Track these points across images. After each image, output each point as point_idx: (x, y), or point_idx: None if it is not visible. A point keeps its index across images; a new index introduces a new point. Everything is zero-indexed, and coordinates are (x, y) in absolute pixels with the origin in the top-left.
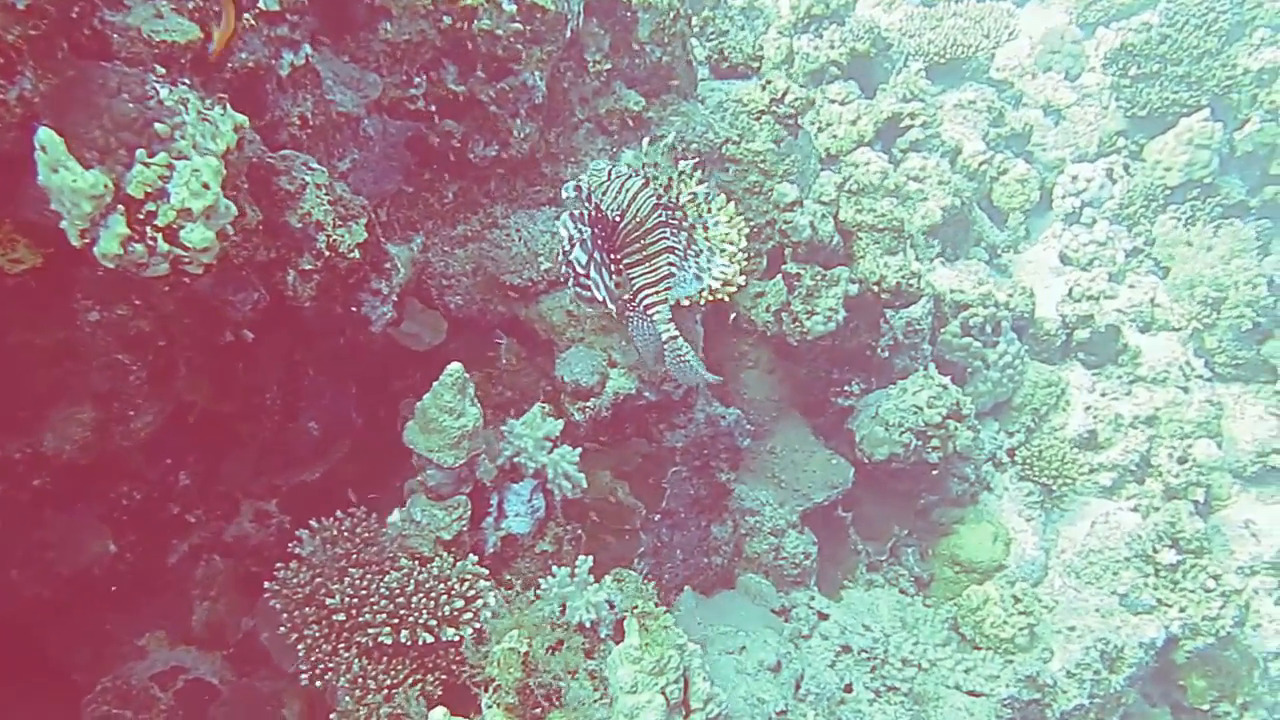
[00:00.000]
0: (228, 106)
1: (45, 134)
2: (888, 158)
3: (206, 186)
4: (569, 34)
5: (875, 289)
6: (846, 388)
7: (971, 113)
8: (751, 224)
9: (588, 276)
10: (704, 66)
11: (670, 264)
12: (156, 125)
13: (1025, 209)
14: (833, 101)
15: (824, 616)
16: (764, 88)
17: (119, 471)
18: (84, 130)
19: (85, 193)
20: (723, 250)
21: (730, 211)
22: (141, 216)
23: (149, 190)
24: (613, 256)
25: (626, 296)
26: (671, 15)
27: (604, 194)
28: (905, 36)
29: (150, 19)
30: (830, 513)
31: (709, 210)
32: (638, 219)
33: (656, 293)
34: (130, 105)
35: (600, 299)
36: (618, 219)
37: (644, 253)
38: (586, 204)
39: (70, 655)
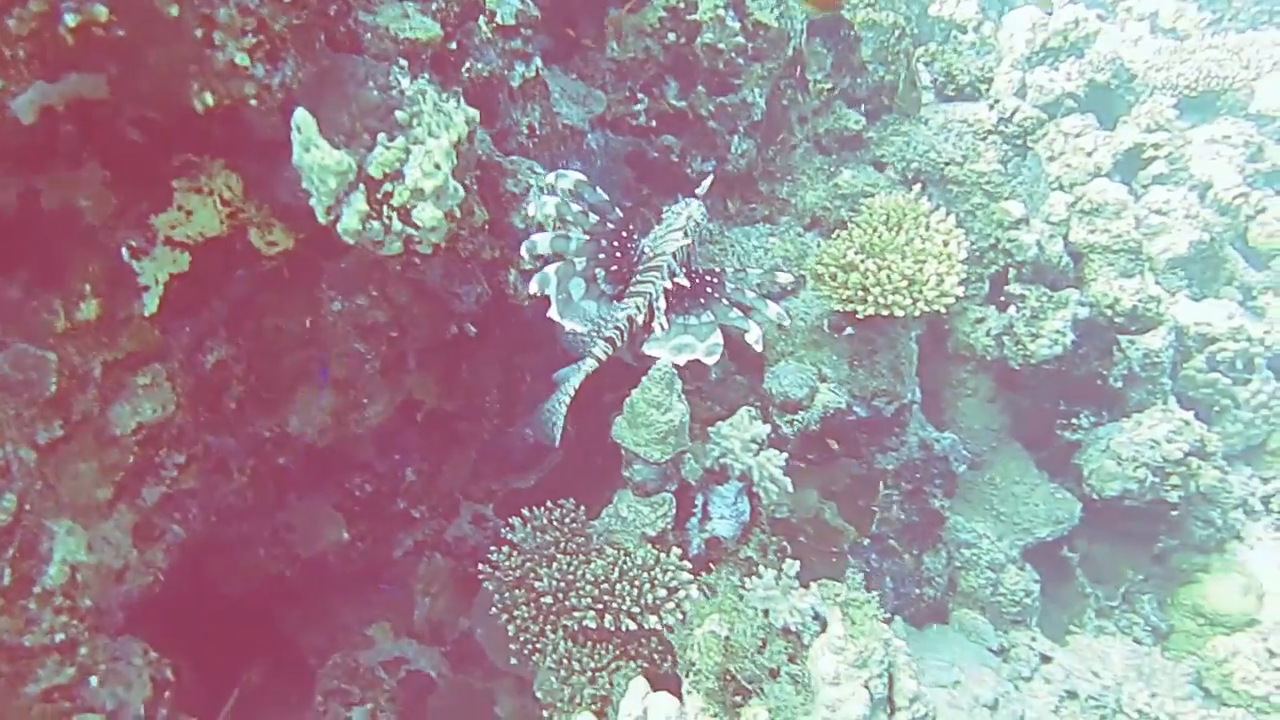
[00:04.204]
0: (461, 100)
1: (301, 115)
2: (1127, 189)
3: (438, 167)
4: (791, 52)
5: (1108, 313)
6: (1074, 420)
7: (1226, 147)
8: (974, 247)
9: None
10: (929, 91)
11: (637, 308)
12: (397, 113)
13: None
14: (1067, 134)
15: (1047, 659)
16: (992, 106)
17: (353, 462)
18: (333, 115)
19: (332, 170)
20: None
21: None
22: (379, 196)
23: (387, 171)
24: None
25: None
26: (896, 34)
27: (664, 225)
28: (1152, 70)
29: (398, 18)
30: (1054, 551)
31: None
32: (651, 253)
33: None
34: (375, 94)
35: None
36: (645, 251)
37: (631, 285)
38: (619, 222)
39: (305, 638)
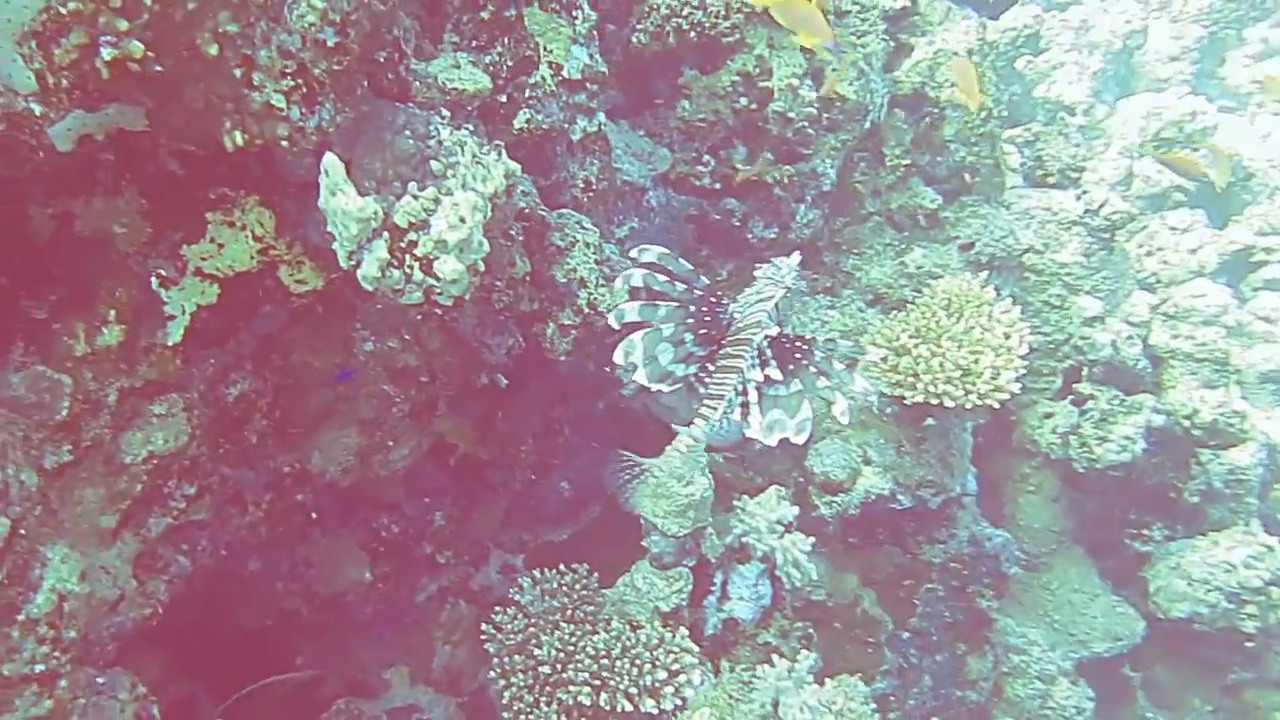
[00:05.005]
0: (503, 153)
1: (329, 159)
2: (1232, 293)
3: (463, 220)
4: (869, 125)
5: (1185, 424)
6: (1145, 531)
7: None
8: (1048, 340)
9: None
10: (1017, 174)
11: (731, 386)
12: (432, 163)
13: None
14: (1172, 229)
15: None
16: (1079, 197)
17: (381, 502)
18: (367, 161)
19: (355, 216)
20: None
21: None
22: (403, 245)
23: (413, 221)
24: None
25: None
26: (983, 115)
27: (754, 289)
28: (1275, 169)
29: (448, 68)
30: (1114, 668)
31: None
32: (741, 320)
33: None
34: (411, 142)
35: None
36: (735, 316)
37: (720, 360)
38: (706, 289)
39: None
